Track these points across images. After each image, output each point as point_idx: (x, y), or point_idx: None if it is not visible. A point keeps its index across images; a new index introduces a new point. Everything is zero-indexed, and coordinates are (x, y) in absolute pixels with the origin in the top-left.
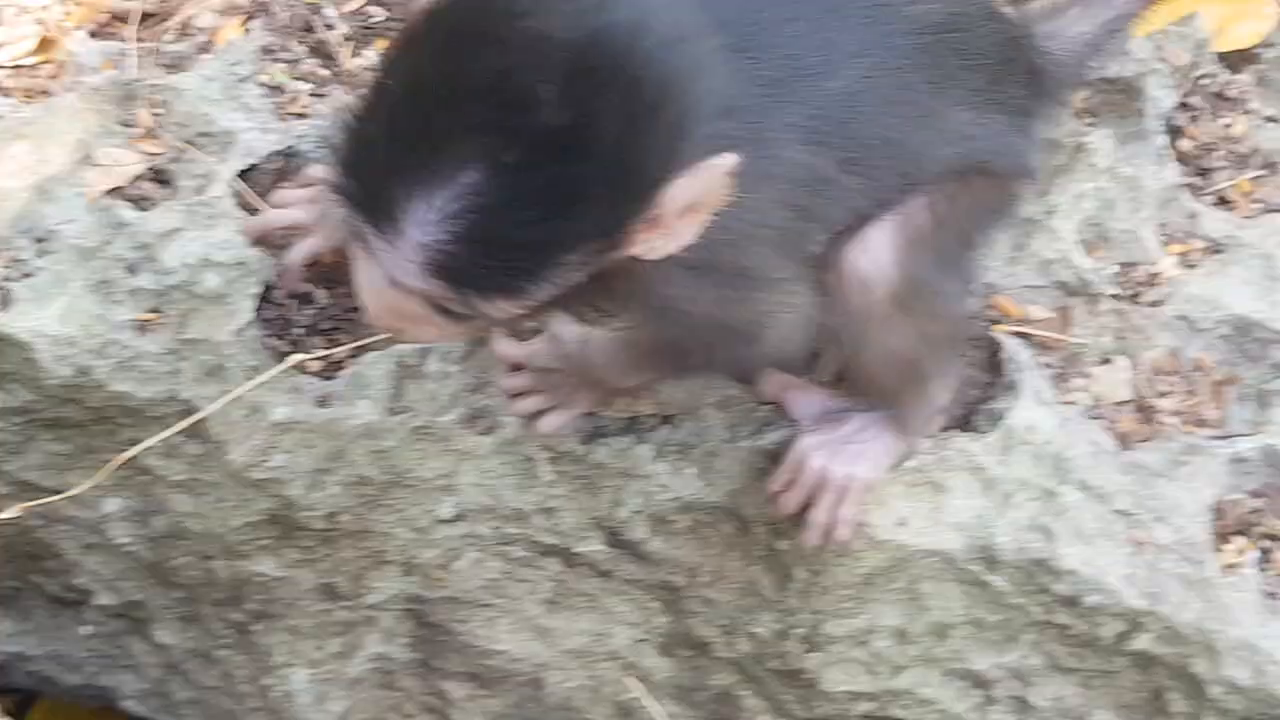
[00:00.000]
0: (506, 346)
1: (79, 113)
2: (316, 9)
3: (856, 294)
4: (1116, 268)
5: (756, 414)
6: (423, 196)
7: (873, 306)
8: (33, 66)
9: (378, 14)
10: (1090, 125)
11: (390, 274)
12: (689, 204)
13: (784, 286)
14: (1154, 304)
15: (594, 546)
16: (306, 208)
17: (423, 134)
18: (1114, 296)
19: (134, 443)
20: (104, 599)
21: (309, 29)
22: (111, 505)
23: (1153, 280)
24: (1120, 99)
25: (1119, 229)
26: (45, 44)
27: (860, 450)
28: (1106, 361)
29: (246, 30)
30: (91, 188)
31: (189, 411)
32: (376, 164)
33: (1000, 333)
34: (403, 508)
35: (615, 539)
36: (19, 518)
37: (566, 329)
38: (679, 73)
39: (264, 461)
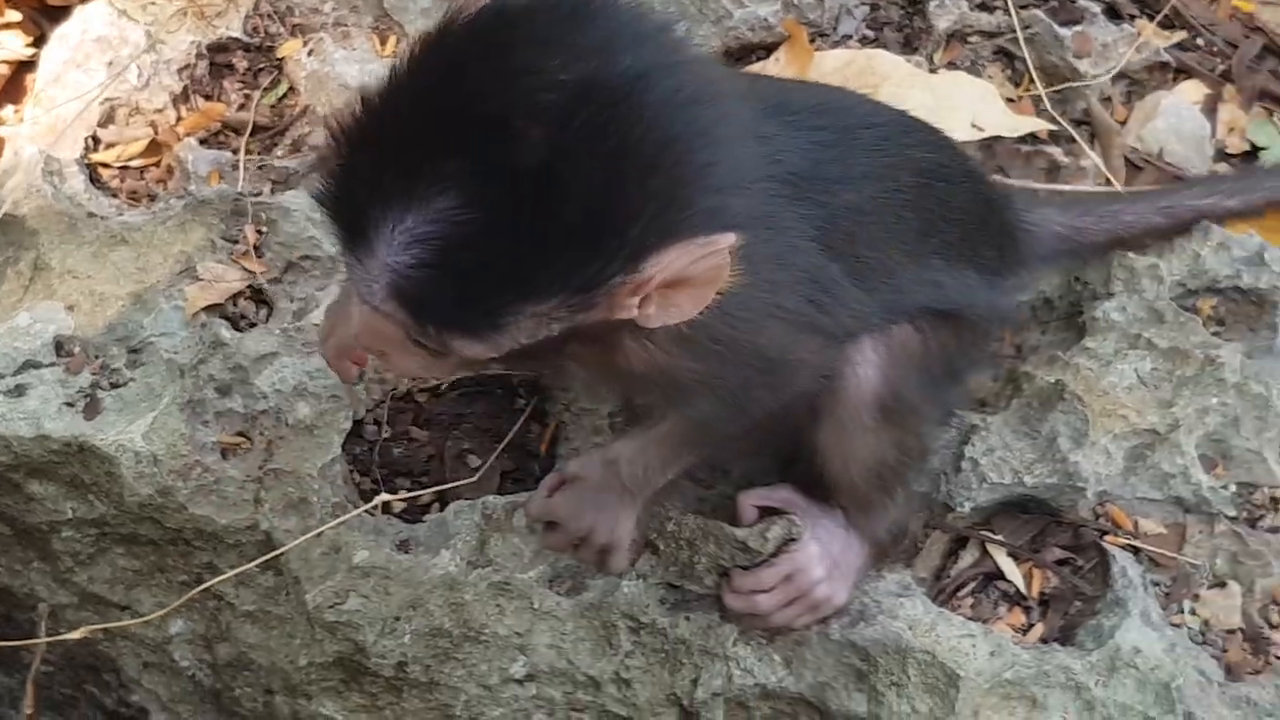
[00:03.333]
0: (534, 508)
1: (184, 223)
2: None
3: (846, 401)
4: (1235, 488)
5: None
6: (394, 218)
7: (860, 414)
8: (140, 169)
9: None
10: (1219, 337)
11: (361, 293)
12: (680, 277)
13: (804, 355)
14: (1274, 530)
15: None
16: None
17: (404, 156)
18: (1231, 518)
19: (208, 566)
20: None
21: None
22: (177, 627)
23: (1275, 504)
24: (1252, 311)
25: (1242, 448)
26: (155, 147)
27: (846, 572)
28: (1219, 585)
29: None
30: (191, 302)
31: (267, 542)
32: (358, 182)
33: (1111, 544)
34: (474, 663)
35: (690, 718)
36: None
37: (582, 464)
38: (681, 138)
39: (339, 604)
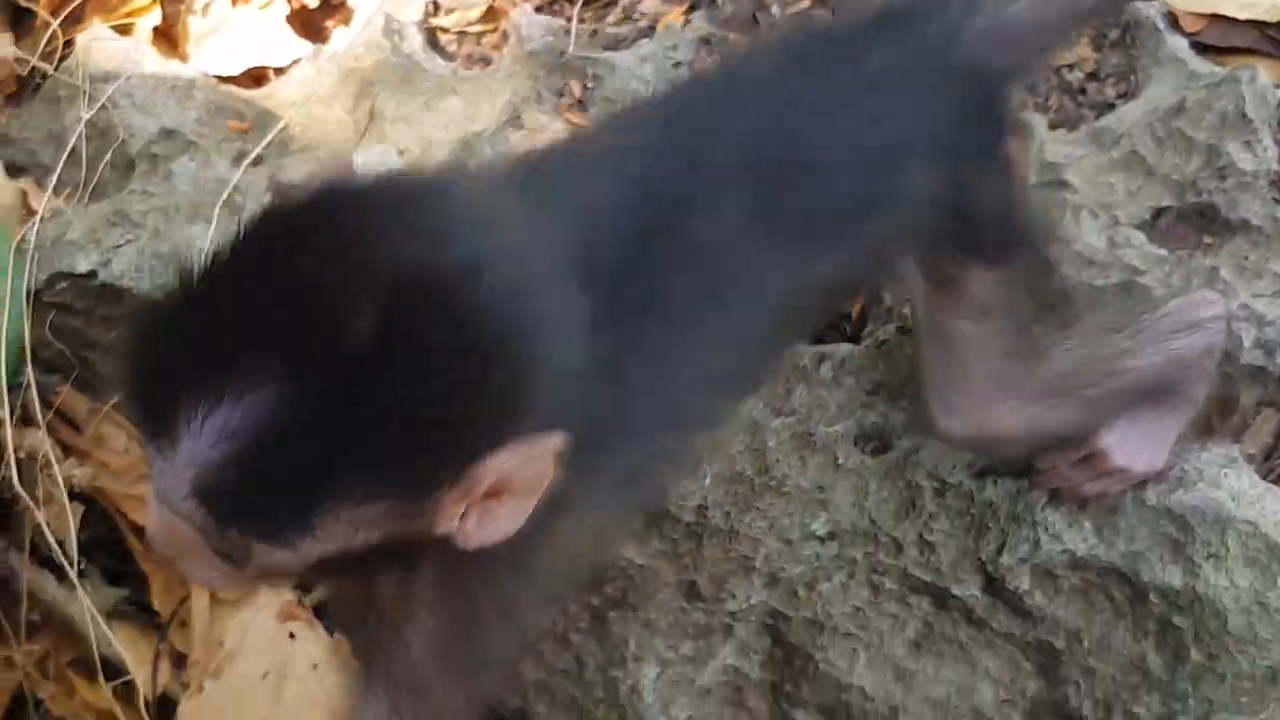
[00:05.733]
0: None
1: (513, 75)
2: (763, 6)
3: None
4: None
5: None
6: (203, 410)
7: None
8: (477, 35)
9: (821, 14)
10: None
11: (162, 491)
12: (503, 483)
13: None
14: None
15: (970, 591)
16: None
17: (219, 344)
18: None
19: None
20: None
21: (754, 22)
22: None
23: None
24: None
25: None
26: (491, 14)
27: (1164, 433)
28: None
29: (688, 20)
30: (515, 149)
31: None
32: (167, 370)
33: None
34: (775, 515)
35: (994, 586)
36: None
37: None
38: (518, 331)
39: None
